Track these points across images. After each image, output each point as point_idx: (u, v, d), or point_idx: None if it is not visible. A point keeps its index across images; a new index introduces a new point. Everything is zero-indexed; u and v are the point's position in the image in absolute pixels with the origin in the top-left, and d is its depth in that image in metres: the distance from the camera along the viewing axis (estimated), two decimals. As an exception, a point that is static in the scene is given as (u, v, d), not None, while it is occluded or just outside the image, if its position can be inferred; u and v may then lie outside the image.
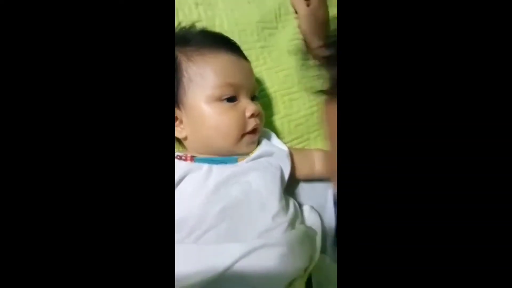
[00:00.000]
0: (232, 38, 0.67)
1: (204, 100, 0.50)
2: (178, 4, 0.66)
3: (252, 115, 0.52)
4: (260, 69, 0.68)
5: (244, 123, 0.52)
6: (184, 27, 0.58)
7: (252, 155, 0.52)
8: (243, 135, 0.52)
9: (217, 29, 0.67)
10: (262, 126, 0.56)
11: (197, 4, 0.69)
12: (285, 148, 0.56)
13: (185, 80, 0.51)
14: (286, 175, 0.52)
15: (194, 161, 0.50)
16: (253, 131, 0.53)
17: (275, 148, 0.55)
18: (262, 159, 0.52)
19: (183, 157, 0.51)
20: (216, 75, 0.51)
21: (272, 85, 0.68)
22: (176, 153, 0.52)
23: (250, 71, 0.57)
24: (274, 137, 0.59)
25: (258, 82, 0.67)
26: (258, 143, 0.56)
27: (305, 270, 0.47)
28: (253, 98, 0.55)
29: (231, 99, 0.51)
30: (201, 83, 0.50)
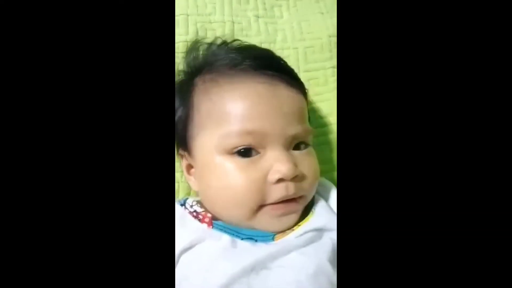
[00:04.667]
0: (295, 56, 0.55)
1: (213, 150, 0.36)
2: (235, 18, 0.56)
3: (281, 180, 0.35)
4: (329, 95, 0.53)
5: (263, 190, 0.35)
6: (213, 43, 0.44)
7: (297, 232, 0.36)
8: (262, 206, 0.35)
9: (278, 45, 0.55)
10: (310, 194, 0.38)
11: (257, 17, 0.58)
12: None
13: (196, 119, 0.37)
14: None
15: (212, 227, 0.37)
16: (288, 201, 0.35)
17: (334, 220, 0.36)
18: (312, 236, 0.35)
19: (201, 216, 0.38)
20: (229, 116, 0.35)
21: (343, 118, 0.52)
22: (195, 207, 0.39)
23: (296, 105, 0.38)
24: (335, 195, 0.41)
25: (323, 114, 0.52)
26: (312, 204, 0.39)
27: None
28: (298, 146, 0.38)
29: (247, 153, 0.35)
30: (211, 125, 0.36)
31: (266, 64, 0.38)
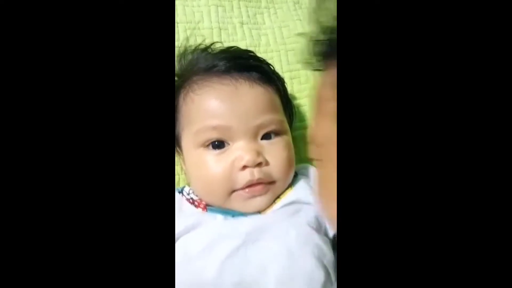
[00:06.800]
0: (278, 58, 0.60)
1: (191, 145, 0.41)
2: (221, 25, 0.62)
3: (245, 167, 0.39)
4: (310, 92, 0.59)
5: (232, 177, 0.39)
6: (197, 48, 0.48)
7: (278, 204, 0.41)
8: (234, 191, 0.40)
9: (262, 49, 0.60)
10: (282, 178, 0.41)
11: (242, 24, 0.63)
12: None
13: (182, 118, 0.43)
14: (331, 232, 0.40)
15: (207, 211, 0.41)
16: (255, 185, 0.39)
17: (310, 194, 0.41)
18: (294, 208, 0.40)
19: (196, 203, 0.42)
20: (199, 115, 0.41)
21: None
22: (191, 195, 0.44)
23: (262, 99, 0.42)
24: (314, 174, 0.47)
25: (305, 109, 0.58)
26: (293, 184, 0.44)
27: None
28: (268, 136, 0.41)
29: (219, 145, 0.40)
30: (189, 125, 0.42)
31: (232, 66, 0.42)
